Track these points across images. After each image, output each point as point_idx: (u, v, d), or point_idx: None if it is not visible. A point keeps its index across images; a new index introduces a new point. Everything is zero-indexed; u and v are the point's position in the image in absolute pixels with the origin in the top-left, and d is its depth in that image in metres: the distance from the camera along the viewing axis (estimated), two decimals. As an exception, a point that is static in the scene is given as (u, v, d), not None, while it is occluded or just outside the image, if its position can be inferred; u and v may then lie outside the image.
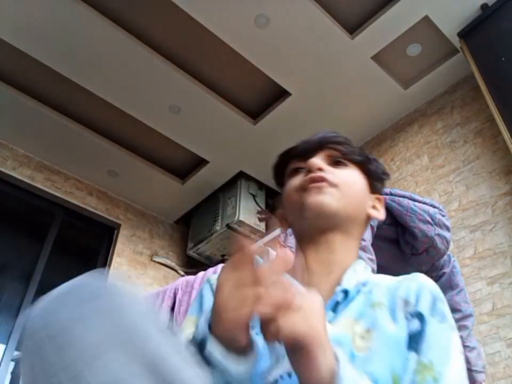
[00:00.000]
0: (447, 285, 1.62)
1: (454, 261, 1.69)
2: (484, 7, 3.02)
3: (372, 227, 1.45)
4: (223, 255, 4.38)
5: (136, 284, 0.53)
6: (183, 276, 4.37)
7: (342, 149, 0.77)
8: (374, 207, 0.80)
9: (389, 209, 1.53)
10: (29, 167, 4.03)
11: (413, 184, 3.33)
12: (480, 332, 2.49)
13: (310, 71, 3.39)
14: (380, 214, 0.80)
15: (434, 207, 1.56)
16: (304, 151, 0.78)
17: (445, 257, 1.63)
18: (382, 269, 1.46)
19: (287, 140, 3.73)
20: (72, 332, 0.43)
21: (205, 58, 3.40)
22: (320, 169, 0.72)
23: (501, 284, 2.56)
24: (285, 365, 0.56)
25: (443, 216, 1.55)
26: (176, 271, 4.54)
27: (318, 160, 0.74)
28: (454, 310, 1.58)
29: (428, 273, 1.63)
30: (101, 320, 0.44)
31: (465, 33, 3.09)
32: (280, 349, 0.56)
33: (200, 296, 0.71)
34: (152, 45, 3.29)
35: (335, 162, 0.76)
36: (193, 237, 4.51)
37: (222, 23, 3.12)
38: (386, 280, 0.72)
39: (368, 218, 0.79)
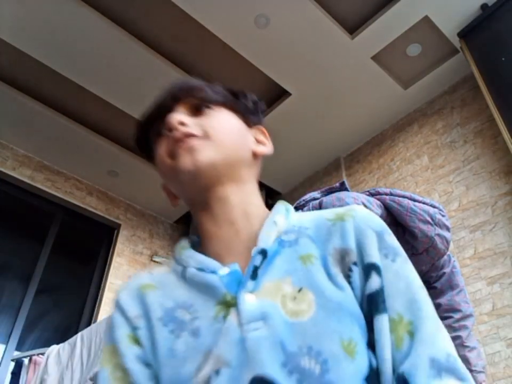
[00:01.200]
0: (447, 285, 1.62)
1: (454, 261, 1.69)
2: (484, 7, 3.02)
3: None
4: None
5: None
6: (183, 276, 4.38)
7: (199, 94, 0.66)
8: (258, 142, 0.69)
9: (389, 209, 1.53)
10: (29, 167, 4.03)
11: (413, 184, 3.34)
12: (480, 332, 2.49)
13: (310, 71, 3.39)
14: (267, 148, 0.70)
15: (434, 207, 1.56)
16: (158, 110, 0.68)
17: (445, 257, 1.63)
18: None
19: (287, 140, 3.77)
20: None
21: (205, 58, 3.40)
22: (181, 124, 0.62)
23: (501, 284, 2.56)
24: (216, 359, 0.49)
25: (443, 216, 1.55)
26: (176, 271, 4.54)
27: (175, 115, 0.63)
28: (454, 310, 1.58)
29: (427, 273, 1.63)
30: None
31: (465, 33, 3.09)
32: (209, 341, 0.51)
33: (111, 322, 0.60)
34: (152, 45, 3.29)
35: (197, 111, 0.65)
36: (193, 237, 4.51)
37: (222, 23, 3.12)
38: (313, 221, 0.61)
39: (256, 156, 0.67)
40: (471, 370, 1.51)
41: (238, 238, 0.59)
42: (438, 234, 1.52)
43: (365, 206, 1.47)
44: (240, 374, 0.47)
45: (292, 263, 0.55)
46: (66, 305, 4.00)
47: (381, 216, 1.51)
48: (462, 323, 1.57)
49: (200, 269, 0.57)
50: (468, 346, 1.54)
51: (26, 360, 2.59)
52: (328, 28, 3.12)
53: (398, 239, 1.69)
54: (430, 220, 1.51)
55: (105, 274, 4.11)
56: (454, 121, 3.33)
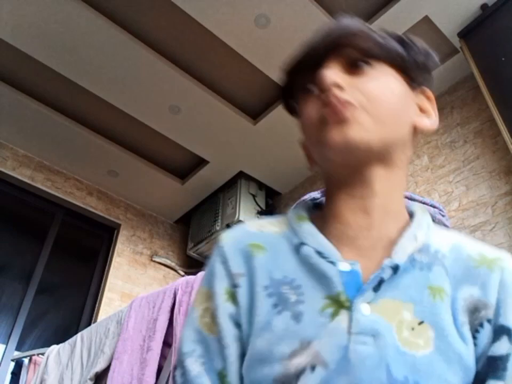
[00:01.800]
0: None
1: (454, 261, 1.69)
2: (484, 7, 3.02)
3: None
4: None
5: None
6: (183, 276, 4.38)
7: (361, 44, 0.55)
8: (422, 111, 0.59)
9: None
10: (29, 167, 4.03)
11: (413, 184, 3.34)
12: (480, 332, 2.50)
13: (310, 71, 3.39)
14: (431, 120, 0.60)
15: (434, 207, 1.55)
16: (311, 60, 0.58)
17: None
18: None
19: (287, 140, 3.78)
20: None
21: (204, 58, 3.40)
22: (337, 86, 0.52)
23: (501, 284, 2.56)
24: (314, 355, 0.46)
25: (443, 216, 1.55)
26: (176, 271, 4.54)
27: (330, 73, 0.53)
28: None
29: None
30: None
31: (465, 33, 3.09)
32: (311, 333, 0.47)
33: (211, 269, 0.57)
34: (152, 44, 3.29)
35: (355, 68, 0.55)
36: (193, 237, 4.51)
37: (222, 23, 3.12)
38: (453, 249, 0.54)
39: (416, 130, 0.58)
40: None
41: (368, 233, 0.53)
42: (438, 234, 1.52)
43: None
44: (335, 380, 0.45)
45: (418, 289, 0.50)
46: (66, 305, 4.00)
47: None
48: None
49: (319, 253, 0.52)
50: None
51: (26, 360, 2.59)
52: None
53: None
54: (430, 220, 1.51)
55: (105, 274, 4.11)
56: (454, 121, 3.33)
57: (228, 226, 4.09)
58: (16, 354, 3.00)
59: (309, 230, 0.55)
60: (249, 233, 0.58)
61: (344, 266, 0.50)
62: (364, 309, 0.48)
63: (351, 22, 0.59)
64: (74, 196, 4.21)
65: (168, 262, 4.53)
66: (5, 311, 3.60)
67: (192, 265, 4.54)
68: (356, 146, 0.51)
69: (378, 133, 0.52)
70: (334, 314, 0.48)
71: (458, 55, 3.26)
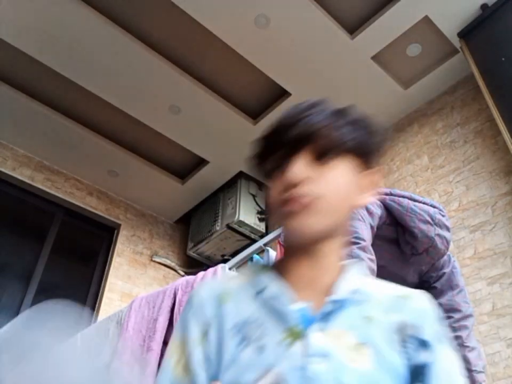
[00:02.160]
0: (447, 285, 1.62)
1: (454, 261, 1.69)
2: (484, 7, 3.02)
3: (372, 227, 1.45)
4: (223, 255, 4.38)
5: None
6: (183, 276, 4.37)
7: (324, 140, 0.64)
8: (361, 190, 0.68)
9: (389, 209, 1.53)
10: (29, 167, 4.03)
11: (413, 184, 3.33)
12: (480, 332, 2.49)
13: (310, 71, 3.39)
14: (367, 197, 0.69)
15: (434, 207, 1.56)
16: (283, 145, 0.65)
17: (445, 257, 1.63)
18: (382, 269, 1.46)
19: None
20: None
21: (205, 58, 3.40)
22: (300, 182, 0.62)
23: (501, 284, 2.56)
24: (275, 377, 0.55)
25: (443, 216, 1.55)
26: (176, 271, 4.54)
27: (297, 169, 0.62)
28: (454, 310, 1.58)
29: (427, 273, 1.63)
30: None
31: (465, 33, 3.09)
32: (271, 360, 0.57)
33: (184, 318, 0.66)
34: (152, 45, 3.29)
35: (320, 159, 0.64)
36: (193, 237, 4.51)
37: (222, 23, 3.12)
38: (382, 291, 0.68)
39: (354, 208, 0.69)
40: (471, 370, 1.51)
41: (316, 282, 0.66)
42: (438, 235, 1.52)
43: (365, 205, 1.47)
44: None
45: (357, 320, 0.62)
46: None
47: (381, 216, 1.51)
48: (462, 323, 1.57)
49: (276, 296, 0.63)
50: (467, 347, 1.54)
51: (26, 360, 2.59)
52: (328, 27, 3.12)
53: (398, 239, 1.70)
54: (430, 220, 1.51)
55: (105, 274, 4.11)
56: (454, 121, 3.33)
57: (228, 226, 4.09)
58: (16, 354, 3.00)
59: (269, 278, 0.66)
60: (217, 285, 0.70)
61: (298, 305, 0.62)
62: (315, 336, 0.59)
63: (321, 114, 0.67)
64: (74, 196, 4.21)
65: (168, 262, 4.53)
66: (5, 311, 3.60)
67: (192, 265, 4.54)
68: (308, 234, 0.63)
69: (326, 222, 0.63)
70: (291, 343, 0.59)
71: (458, 55, 3.26)
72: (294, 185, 0.62)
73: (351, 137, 0.66)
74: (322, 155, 0.64)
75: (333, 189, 0.63)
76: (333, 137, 0.65)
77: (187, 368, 0.61)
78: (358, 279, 0.68)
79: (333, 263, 0.68)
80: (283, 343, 0.59)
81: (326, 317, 0.61)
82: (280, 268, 0.69)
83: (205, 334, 0.62)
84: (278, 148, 0.66)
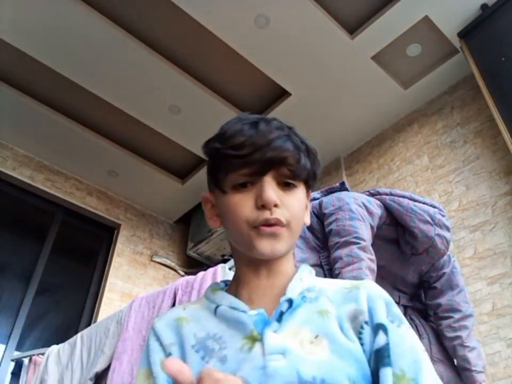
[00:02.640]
0: (447, 285, 1.62)
1: (454, 261, 1.69)
2: (484, 7, 3.02)
3: (372, 227, 1.45)
4: (223, 255, 4.39)
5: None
6: (183, 276, 4.37)
7: (295, 169, 0.69)
8: (305, 208, 0.75)
9: (389, 209, 1.53)
10: (29, 167, 4.03)
11: (413, 184, 3.33)
12: (480, 332, 2.49)
13: (310, 71, 3.39)
14: (308, 216, 0.76)
15: (434, 207, 1.56)
16: (254, 163, 0.67)
17: (445, 257, 1.63)
18: (382, 269, 1.46)
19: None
20: None
21: (205, 58, 3.40)
22: (276, 206, 0.66)
23: (501, 284, 2.56)
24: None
25: (443, 216, 1.55)
26: (176, 271, 4.54)
27: (273, 193, 0.66)
28: (454, 310, 1.58)
29: (427, 273, 1.63)
30: None
31: (465, 33, 3.09)
32: (234, 367, 0.59)
33: (147, 347, 0.69)
34: (152, 45, 3.29)
35: (285, 183, 0.69)
36: (193, 237, 4.51)
37: (222, 23, 3.12)
38: (332, 286, 0.72)
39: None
40: (471, 371, 1.51)
41: (271, 289, 0.70)
42: (438, 235, 1.52)
43: (365, 206, 1.47)
44: None
45: (311, 315, 0.66)
46: (66, 305, 4.00)
47: (381, 216, 1.51)
48: (462, 323, 1.57)
49: (232, 308, 0.67)
50: (467, 346, 1.54)
51: (26, 360, 2.59)
52: (328, 28, 3.11)
53: (398, 239, 1.70)
54: (430, 220, 1.51)
55: (105, 274, 4.11)
56: (454, 121, 3.33)
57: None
58: (16, 354, 3.00)
59: (222, 295, 0.71)
60: (175, 312, 0.73)
61: (252, 312, 0.65)
62: (271, 335, 0.62)
63: (289, 140, 0.70)
64: (74, 196, 4.21)
65: (168, 262, 4.53)
66: (5, 311, 3.60)
67: (192, 265, 4.54)
68: (278, 255, 0.68)
69: (291, 243, 0.70)
70: (251, 348, 0.61)
71: (458, 55, 3.26)
72: (271, 207, 0.66)
73: (307, 165, 0.71)
74: (288, 181, 0.69)
75: (296, 215, 0.69)
76: (298, 165, 0.69)
77: None
78: (309, 278, 0.72)
79: (287, 270, 0.72)
80: (243, 349, 0.62)
81: (280, 316, 0.64)
82: (235, 282, 0.73)
83: (168, 356, 0.66)
84: (247, 165, 0.67)
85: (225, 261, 3.36)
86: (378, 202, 1.52)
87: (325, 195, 1.60)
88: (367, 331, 0.64)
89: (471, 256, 2.75)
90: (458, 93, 3.41)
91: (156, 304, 1.84)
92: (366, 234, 1.39)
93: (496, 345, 2.43)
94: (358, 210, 1.43)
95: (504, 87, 2.81)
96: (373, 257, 1.37)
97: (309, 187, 0.75)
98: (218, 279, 1.74)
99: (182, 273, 4.51)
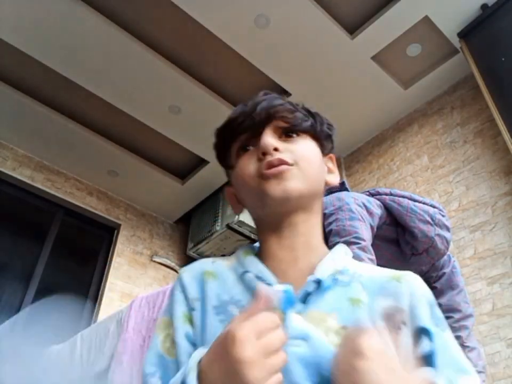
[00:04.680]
0: (447, 285, 1.62)
1: (454, 261, 1.69)
2: (484, 7, 3.02)
3: (372, 227, 1.45)
4: (223, 255, 4.38)
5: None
6: (183, 276, 4.37)
7: (291, 119, 0.69)
8: (329, 170, 0.74)
9: (389, 209, 1.53)
10: (29, 167, 4.03)
11: (413, 184, 3.34)
12: (480, 332, 2.49)
13: (310, 71, 3.39)
14: (335, 177, 0.74)
15: (434, 207, 1.56)
16: (250, 125, 0.69)
17: (445, 257, 1.63)
18: (382, 269, 1.46)
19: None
20: None
21: (205, 59, 3.40)
22: (276, 150, 0.66)
23: (501, 284, 2.56)
24: None
25: (443, 216, 1.55)
26: (176, 271, 4.54)
27: (270, 139, 0.66)
28: (454, 310, 1.58)
29: (427, 273, 1.63)
30: None
31: (465, 33, 3.09)
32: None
33: (172, 296, 0.68)
34: (152, 45, 3.29)
35: (286, 136, 0.69)
36: (193, 237, 4.51)
37: (222, 23, 3.12)
38: (369, 271, 0.67)
39: (326, 185, 0.73)
40: (471, 371, 1.50)
41: (295, 264, 0.65)
42: (438, 235, 1.52)
43: (365, 206, 1.47)
44: None
45: (340, 301, 0.61)
46: (66, 305, 4.00)
47: (380, 216, 1.51)
48: (462, 323, 1.57)
49: (259, 277, 0.64)
50: (467, 347, 1.54)
51: (26, 360, 2.59)
52: (328, 28, 3.11)
53: (398, 239, 1.69)
54: (430, 220, 1.51)
55: (105, 274, 4.11)
56: (454, 121, 3.33)
57: (228, 226, 4.09)
58: (16, 354, 2.99)
59: (252, 261, 0.67)
60: (203, 264, 0.70)
61: (278, 287, 0.60)
62: (294, 318, 0.58)
63: (276, 99, 0.71)
64: (74, 196, 4.21)
65: (168, 262, 4.53)
66: (5, 311, 3.60)
67: (192, 265, 4.53)
68: (292, 195, 0.64)
69: (306, 186, 0.66)
70: None
71: (458, 55, 3.26)
72: (270, 151, 0.65)
73: (306, 118, 0.71)
74: (286, 131, 0.69)
75: (304, 156, 0.68)
76: (292, 115, 0.70)
77: (174, 342, 0.62)
78: (343, 260, 0.67)
79: (314, 244, 0.68)
80: None
81: (307, 297, 0.60)
82: (261, 253, 0.69)
83: (190, 310, 0.64)
84: (243, 130, 0.70)
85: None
86: (378, 202, 1.52)
87: (325, 195, 1.60)
88: (403, 333, 0.57)
89: (471, 256, 2.75)
90: (458, 93, 3.41)
91: (155, 304, 1.84)
92: (366, 234, 1.39)
93: (496, 345, 2.43)
94: (358, 210, 1.43)
95: (504, 87, 2.81)
96: (373, 257, 1.36)
97: (322, 146, 0.73)
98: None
99: (182, 273, 4.50)
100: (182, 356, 0.60)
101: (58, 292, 4.02)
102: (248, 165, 0.68)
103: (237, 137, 0.71)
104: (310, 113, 0.73)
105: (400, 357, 0.52)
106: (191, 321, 0.63)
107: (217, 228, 4.18)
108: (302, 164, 0.66)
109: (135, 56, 3.29)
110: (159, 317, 0.68)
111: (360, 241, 1.35)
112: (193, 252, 4.46)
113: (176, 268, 4.55)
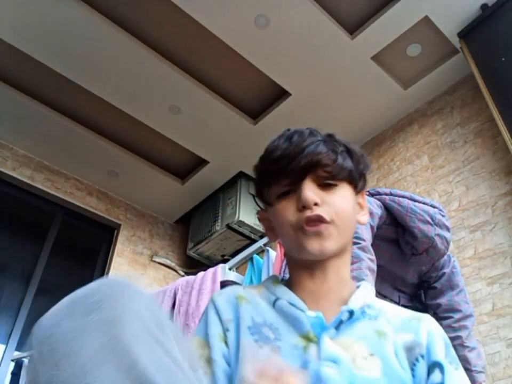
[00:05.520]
0: (447, 285, 1.62)
1: (454, 261, 1.69)
2: (484, 7, 3.02)
3: (372, 227, 1.45)
4: (223, 255, 4.38)
5: (144, 285, 0.55)
6: (183, 276, 4.37)
7: (332, 169, 0.72)
8: (360, 207, 0.78)
9: (389, 209, 1.53)
10: (29, 167, 4.03)
11: (413, 184, 3.33)
12: (480, 332, 2.49)
13: (310, 71, 3.39)
14: (365, 215, 0.78)
15: (434, 207, 1.56)
16: (293, 172, 0.72)
17: (445, 257, 1.63)
18: (382, 268, 1.46)
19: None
20: (70, 346, 0.44)
21: (205, 59, 3.40)
22: (316, 204, 0.69)
23: (501, 284, 2.56)
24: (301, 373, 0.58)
25: (443, 216, 1.55)
26: (176, 271, 4.54)
27: (311, 194, 0.69)
28: (454, 310, 1.58)
29: (427, 273, 1.63)
30: (98, 334, 0.44)
31: (465, 33, 3.09)
32: (287, 361, 0.60)
33: (206, 318, 0.71)
34: (152, 45, 3.29)
35: (325, 185, 0.72)
36: (193, 237, 4.51)
37: (222, 23, 3.12)
38: (392, 310, 0.73)
39: (358, 223, 0.78)
40: (471, 371, 1.51)
41: (327, 295, 0.71)
42: (438, 235, 1.52)
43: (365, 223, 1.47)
44: None
45: (368, 332, 0.66)
46: (66, 305, 3.99)
47: (380, 216, 1.51)
48: (462, 323, 1.57)
49: (291, 304, 0.68)
50: (467, 347, 1.54)
51: (26, 360, 2.59)
52: (328, 28, 3.11)
53: (398, 239, 1.70)
54: (430, 220, 1.51)
55: (105, 274, 4.11)
56: (454, 121, 3.33)
57: (228, 226, 4.09)
58: (16, 354, 3.00)
59: (283, 290, 0.72)
60: (235, 290, 0.75)
61: (311, 313, 0.66)
62: (328, 342, 0.63)
63: (321, 144, 0.73)
64: (74, 196, 4.21)
65: (168, 262, 4.52)
66: (5, 311, 3.60)
67: (192, 265, 4.54)
68: (328, 253, 0.70)
69: (341, 241, 0.71)
70: (306, 347, 0.63)
71: (458, 55, 3.26)
72: (311, 206, 0.69)
73: (347, 165, 0.74)
74: (327, 181, 0.72)
75: (341, 211, 0.71)
76: (334, 165, 0.72)
77: (210, 359, 0.65)
78: (370, 295, 0.73)
79: (344, 278, 0.73)
80: (297, 347, 0.63)
81: (339, 325, 0.65)
82: (291, 284, 0.74)
83: (225, 331, 0.68)
84: (285, 175, 0.72)
85: (225, 261, 3.37)
86: (378, 202, 1.52)
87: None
88: (421, 365, 0.64)
89: (471, 256, 2.75)
90: (458, 93, 3.41)
91: (163, 307, 1.83)
92: (366, 234, 1.39)
93: (496, 345, 2.43)
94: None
95: (504, 87, 2.81)
96: (373, 257, 1.37)
97: (356, 187, 0.76)
98: (218, 279, 1.74)
99: (182, 273, 4.51)
100: (218, 372, 0.63)
101: (58, 292, 4.02)
102: (287, 211, 0.71)
103: (279, 180, 0.73)
104: (349, 154, 0.75)
105: None
106: (225, 341, 0.67)
107: (217, 228, 4.18)
108: (338, 221, 0.70)
109: (135, 56, 3.29)
110: (192, 338, 0.72)
111: (360, 241, 1.35)
112: (193, 252, 4.46)
113: (176, 268, 4.55)
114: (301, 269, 0.73)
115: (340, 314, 0.66)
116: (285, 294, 0.70)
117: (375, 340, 0.65)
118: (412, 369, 0.64)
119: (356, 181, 0.76)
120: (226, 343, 0.67)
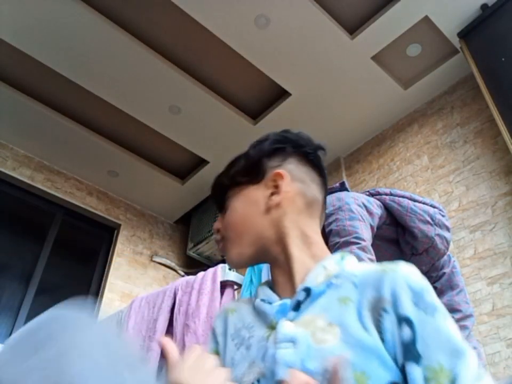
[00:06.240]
0: (447, 285, 1.62)
1: (454, 261, 1.69)
2: (484, 7, 3.02)
3: (372, 227, 1.45)
4: (223, 255, 4.38)
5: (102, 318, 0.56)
6: (183, 276, 4.37)
7: (219, 195, 0.84)
8: (273, 193, 0.76)
9: (389, 209, 1.53)
10: (29, 167, 4.03)
11: (413, 184, 3.34)
12: (480, 332, 2.49)
13: (310, 71, 3.39)
14: (279, 194, 0.76)
15: (434, 207, 1.56)
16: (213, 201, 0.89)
17: (445, 257, 1.63)
18: (382, 269, 1.46)
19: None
20: None
21: (205, 59, 3.40)
22: (217, 231, 0.81)
23: (501, 284, 2.56)
24: (257, 370, 0.62)
25: (443, 216, 1.55)
26: (176, 271, 4.54)
27: (215, 224, 0.82)
28: (454, 310, 1.58)
29: (427, 273, 1.63)
30: (43, 374, 0.43)
31: (465, 33, 3.09)
32: (254, 354, 0.65)
33: (212, 330, 0.78)
34: (152, 45, 3.29)
35: (223, 208, 0.83)
36: (193, 237, 4.51)
37: (222, 23, 3.12)
38: (363, 270, 0.68)
39: (277, 206, 0.75)
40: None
41: (289, 284, 0.72)
42: (438, 235, 1.52)
43: (365, 206, 1.47)
44: (270, 382, 0.61)
45: (331, 302, 0.66)
46: (66, 305, 3.99)
47: (380, 216, 1.51)
48: (462, 323, 1.57)
49: (263, 300, 0.72)
50: (467, 347, 1.53)
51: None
52: (328, 28, 3.11)
53: (398, 239, 1.70)
54: (430, 220, 1.51)
55: (105, 274, 4.11)
56: (454, 121, 3.33)
57: (228, 226, 4.09)
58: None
59: (263, 289, 0.76)
60: (228, 305, 0.82)
61: (277, 303, 0.70)
62: (285, 324, 0.65)
63: (217, 177, 0.88)
64: (74, 196, 4.21)
65: (168, 262, 4.53)
66: (5, 311, 3.60)
67: (192, 265, 4.54)
68: (236, 260, 0.78)
69: (240, 246, 0.76)
70: (269, 336, 0.66)
71: (458, 55, 3.26)
72: (216, 231, 0.83)
73: (224, 180, 0.85)
74: (222, 208, 0.82)
75: (229, 225, 0.78)
76: (215, 196, 0.85)
77: None
78: (338, 264, 0.71)
79: (303, 263, 0.73)
80: (263, 337, 0.67)
81: (298, 306, 0.66)
82: (272, 281, 0.80)
83: (216, 345, 0.75)
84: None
85: (225, 261, 3.36)
86: (378, 202, 1.52)
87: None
88: (387, 320, 0.59)
89: (471, 256, 2.75)
90: (458, 93, 3.41)
91: (155, 305, 1.84)
92: (366, 234, 1.39)
93: (496, 345, 2.43)
94: (358, 210, 1.43)
95: (504, 87, 2.81)
96: (373, 257, 1.36)
97: (250, 182, 0.81)
98: (218, 279, 1.74)
99: (182, 273, 4.51)
100: None
101: (58, 292, 4.02)
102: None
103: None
104: (232, 164, 0.87)
105: None
106: (217, 353, 0.73)
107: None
108: (227, 234, 0.78)
109: (135, 56, 3.29)
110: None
111: (360, 241, 1.35)
112: (193, 252, 4.46)
113: (176, 268, 4.55)
114: (271, 266, 0.77)
115: (296, 295, 0.67)
116: (263, 293, 0.75)
117: (336, 308, 0.63)
118: (378, 327, 0.59)
119: (240, 178, 0.82)
120: (218, 355, 0.73)
